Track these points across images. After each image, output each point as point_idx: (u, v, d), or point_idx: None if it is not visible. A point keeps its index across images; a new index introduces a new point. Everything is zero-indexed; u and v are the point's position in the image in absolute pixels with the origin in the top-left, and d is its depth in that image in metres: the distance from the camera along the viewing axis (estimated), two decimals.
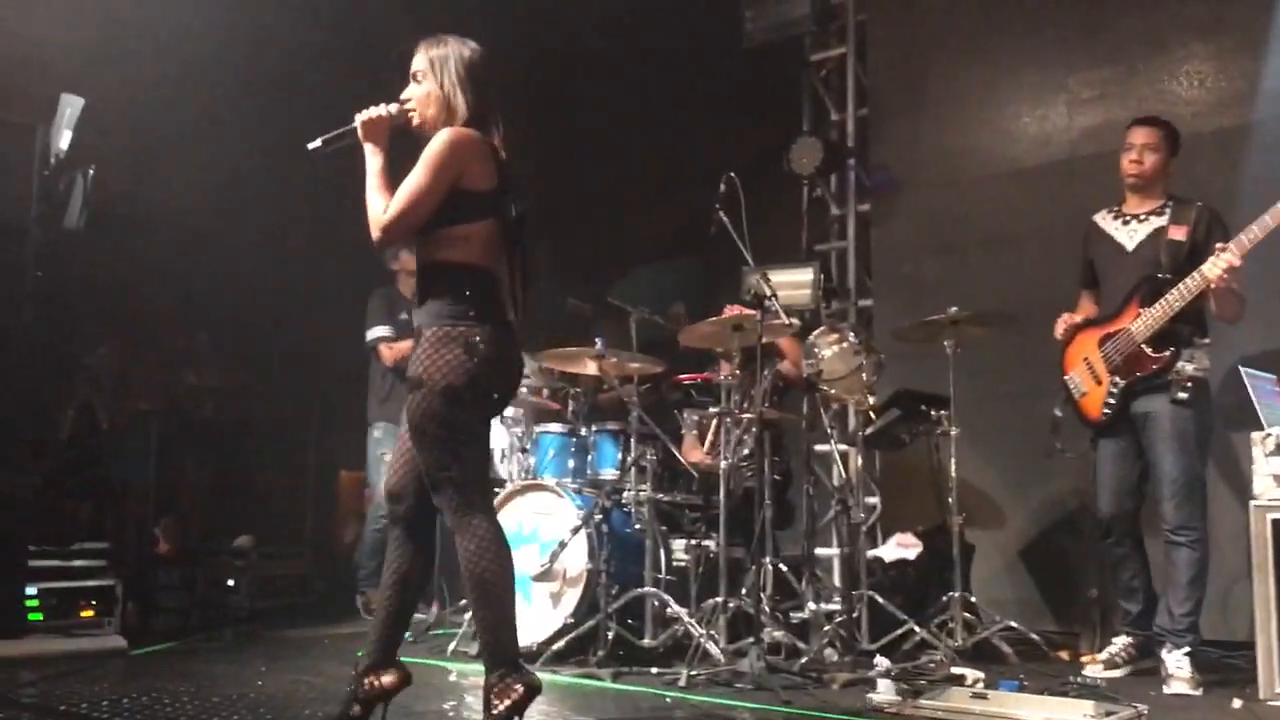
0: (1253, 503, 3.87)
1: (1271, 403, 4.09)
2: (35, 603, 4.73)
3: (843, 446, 5.52)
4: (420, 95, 3.17)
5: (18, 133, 4.73)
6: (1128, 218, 4.49)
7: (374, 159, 3.11)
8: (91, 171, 4.93)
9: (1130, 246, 4.43)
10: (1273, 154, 4.98)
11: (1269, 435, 3.88)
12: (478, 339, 3.00)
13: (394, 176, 3.05)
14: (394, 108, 3.16)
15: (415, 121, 3.17)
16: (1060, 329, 4.59)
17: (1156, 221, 4.39)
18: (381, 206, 3.02)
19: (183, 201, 6.76)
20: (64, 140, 4.81)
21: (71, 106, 4.82)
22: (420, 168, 3.01)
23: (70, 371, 6.31)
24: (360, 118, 3.12)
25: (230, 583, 6.15)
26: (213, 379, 7.47)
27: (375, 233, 3.04)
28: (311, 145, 3.16)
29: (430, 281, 3.10)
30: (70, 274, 5.22)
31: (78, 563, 4.98)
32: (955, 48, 6.38)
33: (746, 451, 5.04)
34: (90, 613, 4.90)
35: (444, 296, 3.05)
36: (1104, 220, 4.58)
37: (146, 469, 6.52)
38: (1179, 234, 4.29)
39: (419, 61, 3.19)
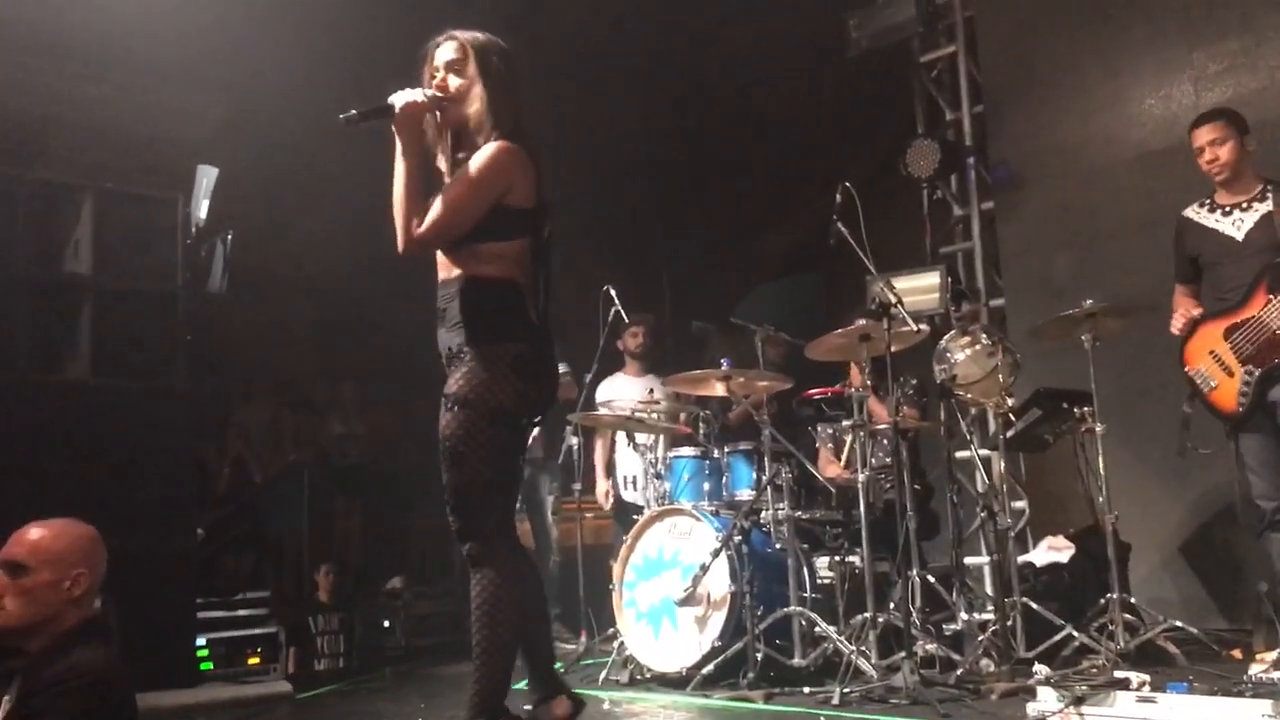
0: None
1: None
2: (205, 652, 4.94)
3: (984, 451, 5.39)
4: (461, 87, 3.04)
5: (161, 205, 4.98)
6: (1227, 208, 4.36)
7: (406, 159, 3.00)
8: (230, 237, 5.17)
9: (1240, 236, 4.30)
10: None
11: None
12: (527, 357, 2.98)
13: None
14: (432, 94, 3.02)
15: (454, 114, 3.05)
16: (1179, 324, 4.44)
17: (1261, 207, 4.27)
18: (415, 217, 2.95)
19: (319, 258, 7.02)
20: (203, 209, 5.06)
21: (208, 177, 5.07)
22: (466, 181, 2.95)
23: (223, 429, 6.60)
24: (399, 100, 2.97)
25: (386, 624, 6.32)
26: (358, 427, 7.73)
27: (405, 243, 2.98)
28: (344, 115, 3.00)
29: (466, 297, 3.02)
30: (217, 336, 5.46)
31: (241, 612, 5.19)
32: (1067, 33, 6.22)
33: (887, 462, 4.96)
34: (256, 660, 5.10)
35: (483, 314, 2.99)
36: (1198, 214, 4.46)
37: (300, 518, 6.77)
38: None
39: (455, 51, 3.06)
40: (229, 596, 5.27)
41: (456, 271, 3.05)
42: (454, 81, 3.05)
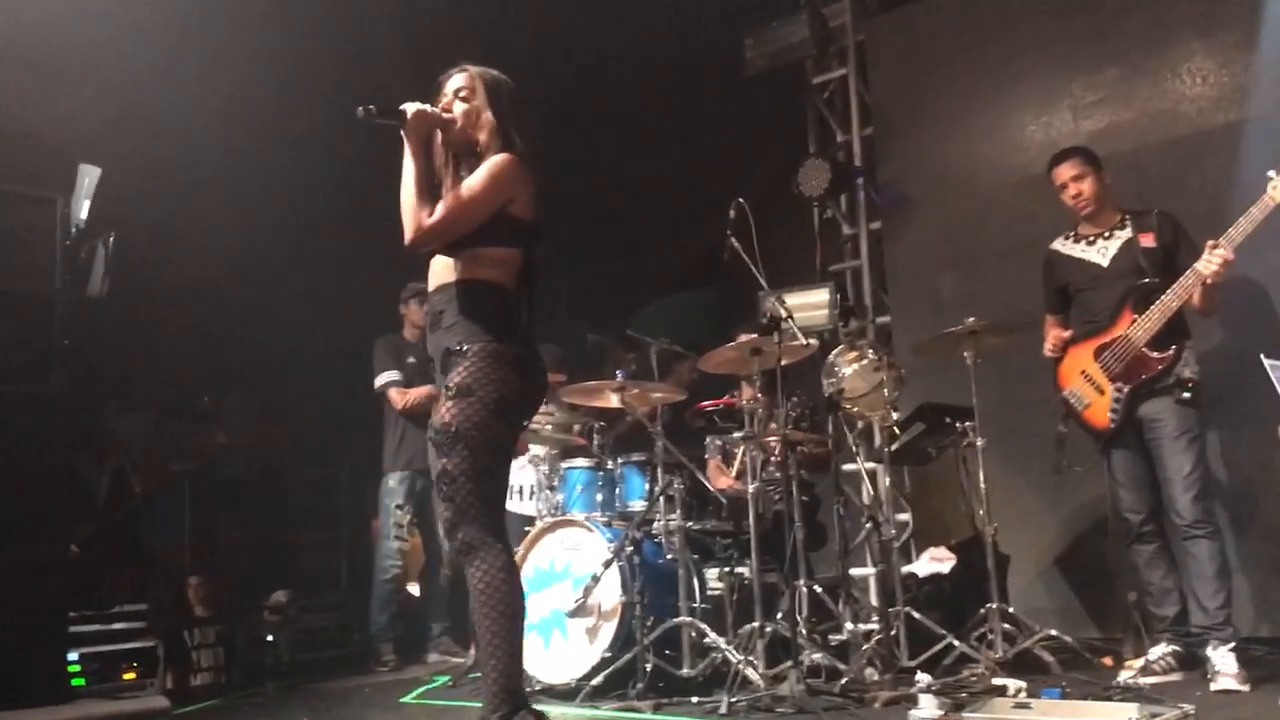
0: None
1: None
2: (77, 668, 4.77)
3: (870, 464, 5.51)
4: (468, 112, 3.26)
5: (39, 205, 4.81)
6: (1091, 238, 4.59)
7: (416, 158, 3.18)
8: (112, 239, 5.01)
9: (1106, 263, 4.52)
10: (1277, 145, 4.97)
11: None
12: (525, 358, 3.14)
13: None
14: (440, 112, 3.24)
15: (457, 134, 3.24)
16: (1050, 346, 4.65)
17: (1122, 235, 4.50)
18: (425, 211, 3.12)
19: (205, 264, 6.85)
20: (83, 210, 4.90)
21: (89, 176, 4.92)
22: (479, 181, 3.13)
23: (101, 437, 6.39)
24: (411, 108, 3.18)
25: (269, 638, 6.18)
26: (243, 438, 7.54)
27: (414, 235, 3.14)
28: (361, 110, 3.17)
29: (467, 299, 3.16)
30: (97, 341, 5.29)
31: (118, 626, 5.02)
32: (955, 61, 6.41)
33: (775, 474, 5.03)
34: (132, 675, 4.94)
35: (484, 315, 3.13)
36: (1065, 246, 4.69)
37: (181, 530, 6.58)
38: (1149, 241, 4.41)
39: (463, 80, 3.29)
40: (105, 610, 5.10)
41: (454, 276, 3.18)
42: (459, 107, 3.26)
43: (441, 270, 3.24)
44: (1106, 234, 4.54)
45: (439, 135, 3.27)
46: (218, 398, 7.52)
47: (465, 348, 3.09)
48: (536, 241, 3.26)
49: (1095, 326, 4.49)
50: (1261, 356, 4.09)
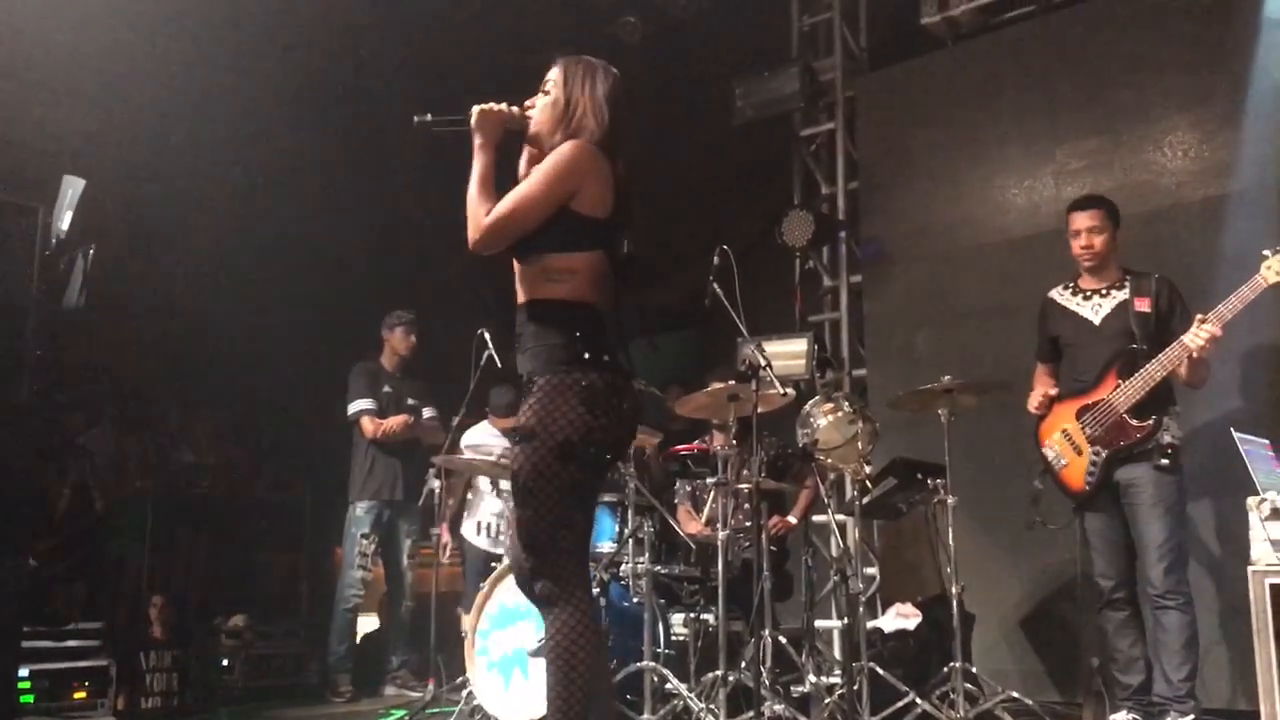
0: (1251, 568, 3.85)
1: (1267, 467, 4.09)
2: (27, 684, 4.69)
3: (840, 517, 5.51)
4: (544, 104, 3.02)
5: (20, 214, 4.78)
6: (1088, 293, 4.58)
7: (482, 155, 2.96)
8: (92, 251, 4.98)
9: (1097, 321, 4.52)
10: (1254, 222, 5.04)
11: (1264, 500, 3.87)
12: (597, 387, 2.79)
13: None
14: (514, 109, 3.02)
15: (532, 129, 3.03)
16: (1034, 401, 4.65)
17: (1119, 295, 4.49)
18: (485, 209, 2.86)
19: (182, 281, 6.83)
20: (65, 221, 4.87)
21: (73, 188, 4.89)
22: (535, 175, 2.87)
23: (66, 451, 6.31)
24: (476, 108, 2.99)
25: (224, 662, 6.09)
26: (210, 457, 7.48)
27: (474, 235, 2.87)
28: (419, 118, 3.03)
29: (535, 321, 2.89)
30: (68, 354, 5.25)
31: (71, 643, 4.95)
32: (941, 121, 6.49)
33: (746, 523, 5.02)
34: (83, 694, 4.87)
35: (552, 339, 2.84)
36: (1062, 297, 4.68)
37: (141, 548, 6.50)
38: (1144, 306, 4.40)
39: (552, 73, 3.04)
40: (58, 627, 5.01)
41: (529, 295, 2.92)
42: (541, 101, 3.03)
43: (520, 287, 2.96)
44: (1104, 291, 4.53)
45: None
46: (187, 416, 7.47)
47: (533, 381, 2.84)
48: (618, 239, 2.96)
49: (1080, 386, 4.49)
50: (1231, 430, 4.13)
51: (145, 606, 6.13)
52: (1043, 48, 6.12)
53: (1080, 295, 4.60)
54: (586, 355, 2.81)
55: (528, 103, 3.04)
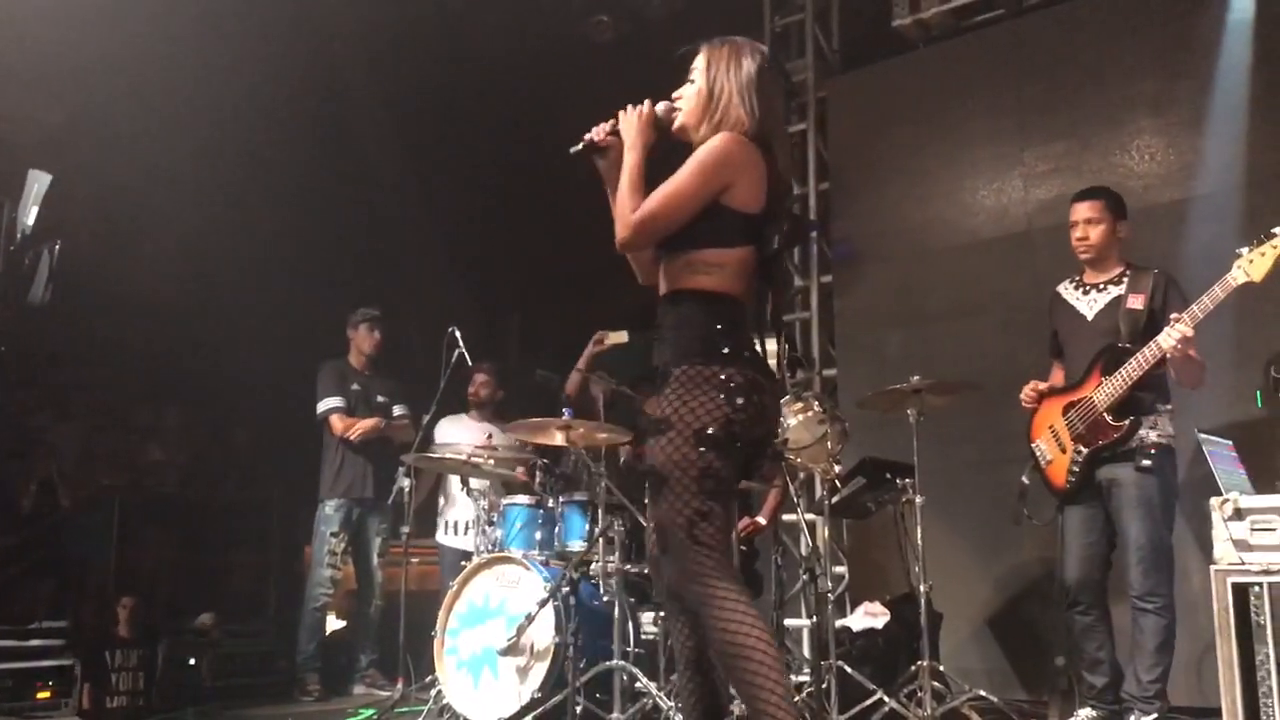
0: (1213, 567, 3.90)
1: (1229, 468, 4.13)
2: None
3: (810, 516, 5.53)
4: (691, 94, 2.90)
5: None
6: (1087, 287, 4.55)
7: (631, 154, 2.85)
8: (58, 247, 4.94)
9: (1090, 316, 4.49)
10: (1219, 224, 5.11)
11: (1227, 500, 3.92)
12: (736, 381, 2.68)
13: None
14: (661, 105, 2.93)
15: (679, 123, 2.91)
16: (1025, 395, 4.65)
17: (1115, 291, 4.45)
18: (633, 205, 2.76)
19: (151, 276, 6.77)
20: (30, 216, 4.83)
21: (39, 183, 4.85)
22: (686, 170, 2.74)
23: (32, 447, 6.26)
24: (623, 117, 2.92)
25: (191, 661, 6.04)
26: (179, 455, 7.43)
27: (622, 232, 2.77)
28: (573, 149, 2.97)
29: (676, 311, 2.79)
30: (35, 349, 5.20)
31: (35, 642, 4.90)
32: (913, 124, 6.53)
33: None
34: (47, 694, 4.82)
35: (693, 331, 2.74)
36: (1066, 290, 4.64)
37: (107, 546, 6.45)
38: (1137, 302, 4.35)
39: (697, 60, 2.92)
40: (22, 625, 4.96)
41: (673, 286, 2.81)
42: (688, 90, 2.92)
43: (663, 280, 2.86)
44: (1102, 286, 4.49)
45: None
46: (156, 413, 7.41)
47: (670, 371, 2.73)
48: (771, 234, 2.81)
49: (1070, 382, 4.49)
50: (1196, 430, 4.17)
51: (112, 605, 6.09)
52: (1013, 51, 6.18)
53: (1081, 289, 4.56)
54: (726, 349, 2.71)
55: (675, 94, 2.94)
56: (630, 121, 2.91)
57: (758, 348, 2.81)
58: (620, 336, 6.07)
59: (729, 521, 2.72)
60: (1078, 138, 5.87)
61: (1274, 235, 3.96)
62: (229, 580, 7.38)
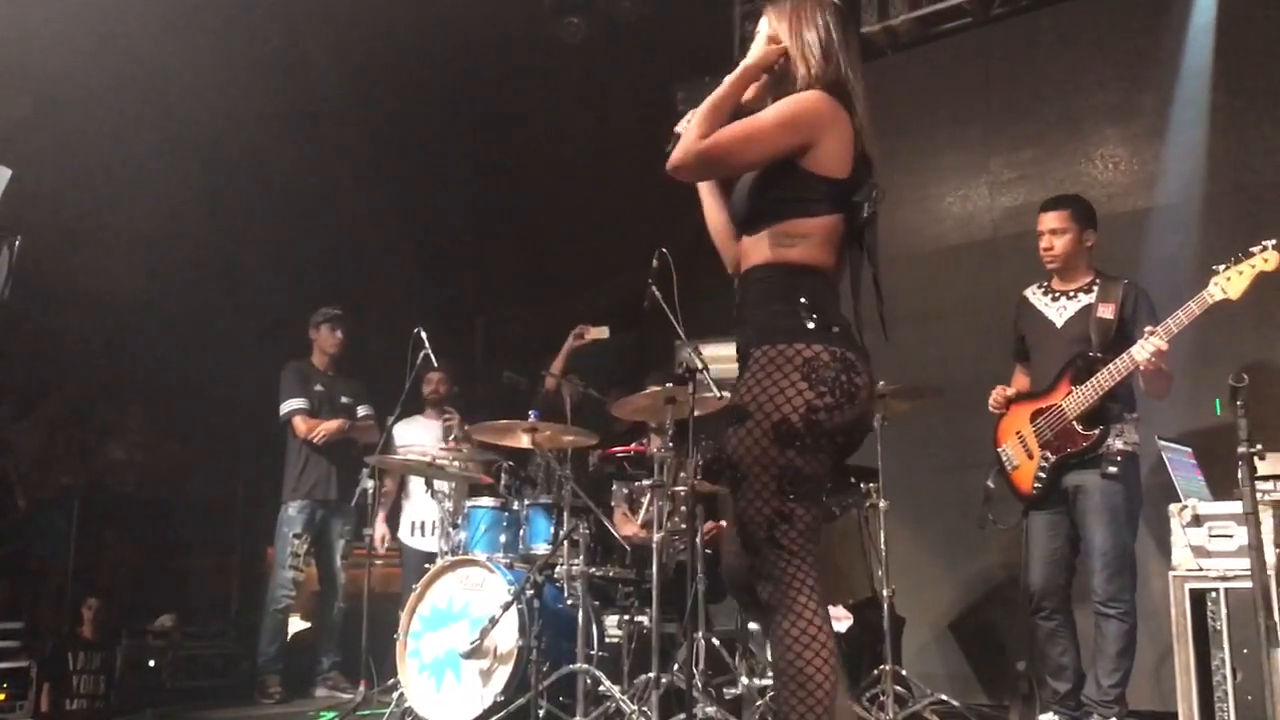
0: (1171, 573, 3.95)
1: (1188, 475, 4.19)
2: None
3: None
4: (772, 53, 2.67)
5: None
6: (1057, 294, 4.57)
7: (732, 76, 2.62)
8: (18, 242, 4.87)
9: (1060, 323, 4.51)
10: (1181, 234, 5.16)
11: (1185, 507, 3.97)
12: (822, 359, 2.42)
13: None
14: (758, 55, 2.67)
15: (749, 94, 2.66)
16: (993, 400, 4.67)
17: (1085, 299, 4.48)
18: (704, 129, 2.50)
19: (114, 273, 6.70)
20: None
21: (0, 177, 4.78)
22: (769, 114, 2.51)
23: None
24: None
25: (151, 663, 5.99)
26: (141, 454, 7.35)
27: (679, 154, 2.52)
28: (670, 148, 2.68)
29: (754, 287, 2.55)
30: None
31: None
32: (879, 130, 6.51)
33: (682, 525, 5.03)
34: (2, 696, 4.74)
35: (772, 305, 2.48)
36: (1034, 296, 4.66)
37: (67, 546, 6.37)
38: (1107, 311, 4.38)
39: (762, 24, 2.72)
40: None
41: (752, 261, 2.56)
42: (759, 48, 2.69)
43: (744, 251, 2.62)
44: (1071, 294, 4.52)
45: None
46: (118, 412, 7.33)
47: (749, 353, 2.47)
48: (860, 203, 2.56)
49: (1039, 388, 4.51)
50: (1157, 438, 4.22)
51: (71, 606, 6.02)
52: (980, 60, 6.22)
53: (1050, 296, 4.59)
54: (810, 324, 2.45)
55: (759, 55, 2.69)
56: (756, 46, 2.68)
57: (850, 327, 2.55)
58: (601, 332, 6.08)
59: (815, 523, 2.46)
60: (1044, 146, 5.92)
61: (1252, 254, 4.01)
62: (190, 581, 7.32)
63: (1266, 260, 3.97)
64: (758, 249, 2.55)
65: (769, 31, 2.68)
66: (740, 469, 2.42)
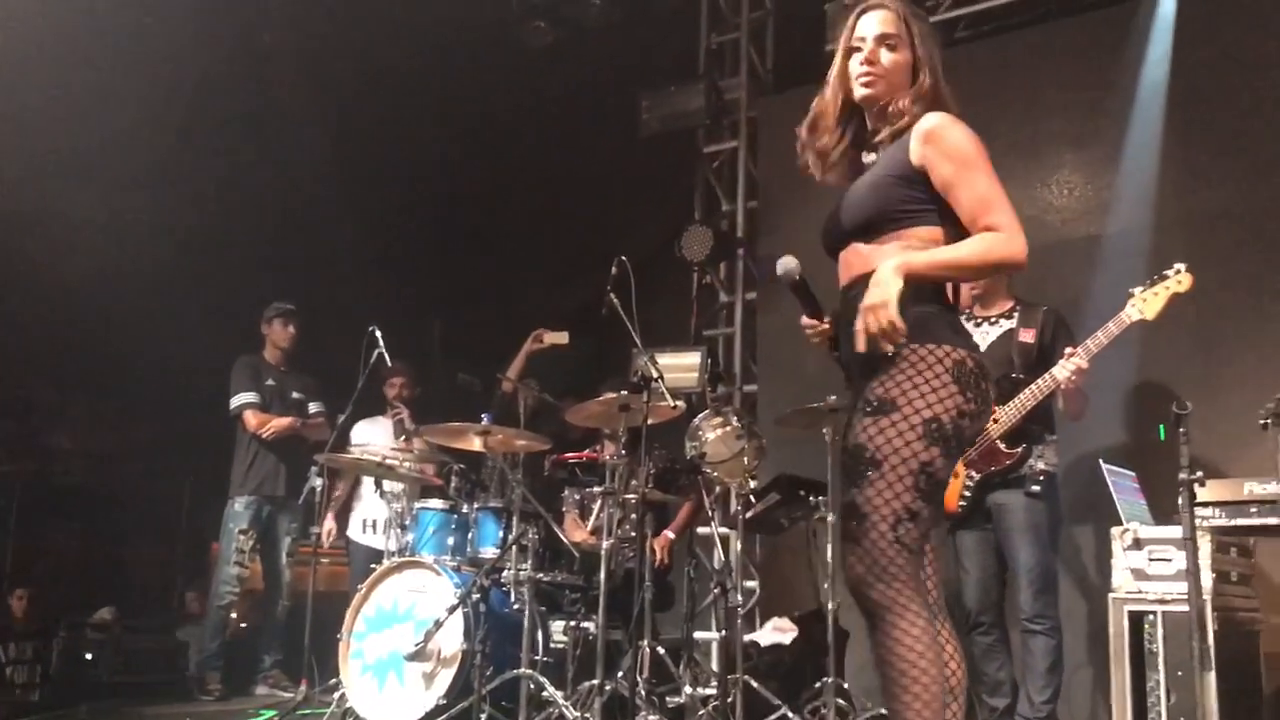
0: (1111, 595, 4.01)
1: (1131, 498, 4.26)
2: None
3: (724, 529, 5.57)
4: (896, 67, 2.61)
5: None
6: (979, 320, 4.68)
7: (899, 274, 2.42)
8: None
9: (982, 347, 4.59)
10: (1130, 261, 5.19)
11: (1127, 530, 4.04)
12: (968, 365, 2.44)
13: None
14: (860, 77, 2.63)
15: (866, 93, 2.63)
16: None
17: (1006, 324, 4.61)
18: (1001, 235, 2.44)
19: (63, 259, 6.61)
20: None
21: None
22: (979, 166, 2.52)
23: None
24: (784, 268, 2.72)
25: (89, 656, 5.90)
26: (85, 444, 7.25)
27: (1019, 249, 2.44)
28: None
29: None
30: None
31: None
32: None
33: (632, 532, 5.04)
34: None
35: (914, 308, 2.42)
36: None
37: (5, 534, 6.27)
38: (1028, 336, 4.51)
39: (889, 23, 2.62)
40: None
41: (873, 266, 2.49)
42: (885, 57, 2.61)
43: (858, 258, 2.61)
44: (993, 319, 4.62)
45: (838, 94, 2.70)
46: (62, 399, 7.23)
47: (892, 350, 2.44)
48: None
49: None
50: (1100, 461, 4.29)
51: (6, 596, 5.92)
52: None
53: (973, 322, 4.68)
54: (953, 329, 2.52)
55: (865, 55, 2.63)
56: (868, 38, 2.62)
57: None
58: (560, 337, 6.08)
59: (930, 528, 2.49)
60: (1001, 168, 5.79)
61: (1166, 276, 4.20)
62: (133, 574, 7.23)
63: (1180, 282, 4.18)
64: (881, 253, 2.52)
65: (887, 30, 2.62)
66: (871, 460, 2.39)
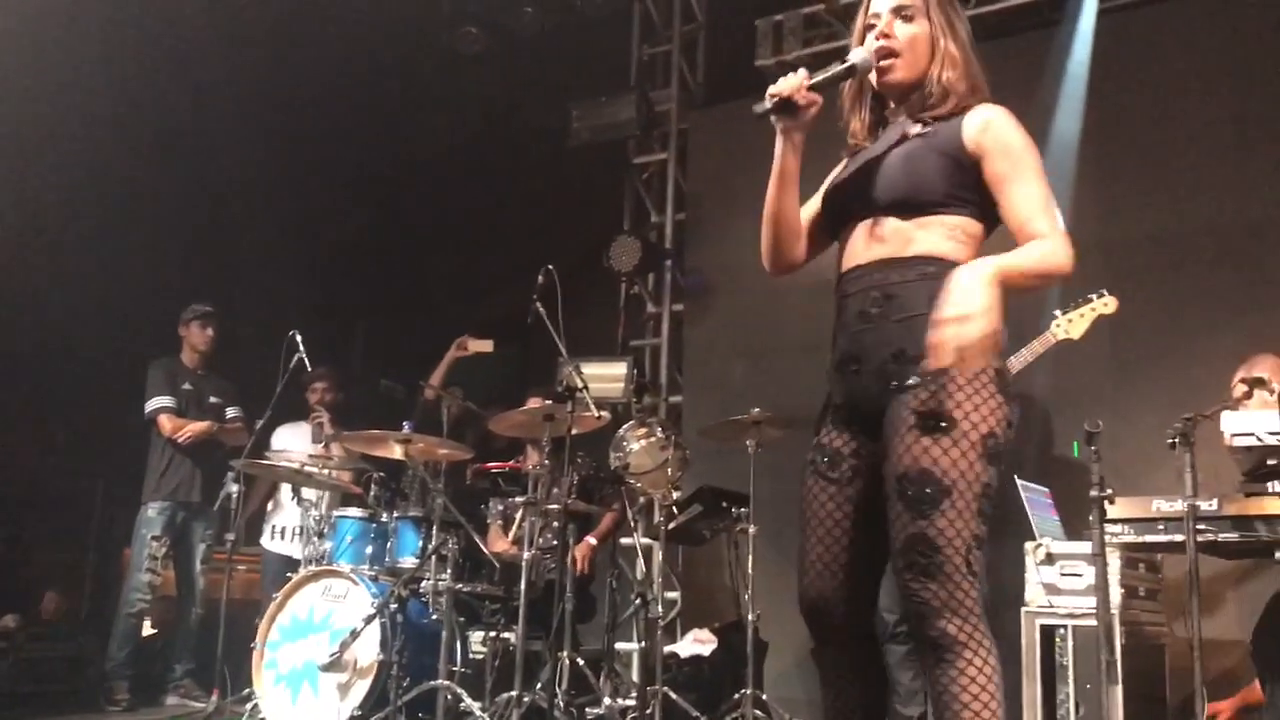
0: (1023, 609, 4.09)
1: (1044, 514, 4.35)
2: None
3: (646, 540, 5.57)
4: (915, 40, 2.43)
5: None
6: None
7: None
8: None
9: None
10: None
11: (1039, 545, 4.12)
12: (1005, 378, 2.27)
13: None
14: (860, 55, 2.46)
15: (894, 76, 2.47)
16: None
17: None
18: (1045, 240, 2.25)
19: None
20: None
21: None
22: (1031, 162, 2.33)
23: None
24: (858, 56, 2.43)
25: None
26: None
27: (1068, 258, 2.25)
28: (759, 107, 2.55)
29: (924, 283, 2.28)
30: None
31: None
32: (767, 162, 6.63)
33: (554, 542, 5.03)
34: None
35: None
36: None
37: None
38: None
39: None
40: None
41: (913, 250, 2.32)
42: (903, 30, 2.43)
43: (900, 236, 2.37)
44: None
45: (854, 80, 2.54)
46: None
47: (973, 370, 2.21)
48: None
49: None
50: (1015, 477, 4.37)
51: None
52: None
53: None
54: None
55: (880, 29, 2.47)
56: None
57: None
58: (484, 345, 6.05)
59: (984, 544, 2.27)
60: None
61: (1090, 299, 4.43)
62: (40, 580, 7.02)
63: (1106, 305, 4.45)
64: (920, 239, 2.33)
65: (904, 4, 2.45)
66: (940, 486, 2.16)
